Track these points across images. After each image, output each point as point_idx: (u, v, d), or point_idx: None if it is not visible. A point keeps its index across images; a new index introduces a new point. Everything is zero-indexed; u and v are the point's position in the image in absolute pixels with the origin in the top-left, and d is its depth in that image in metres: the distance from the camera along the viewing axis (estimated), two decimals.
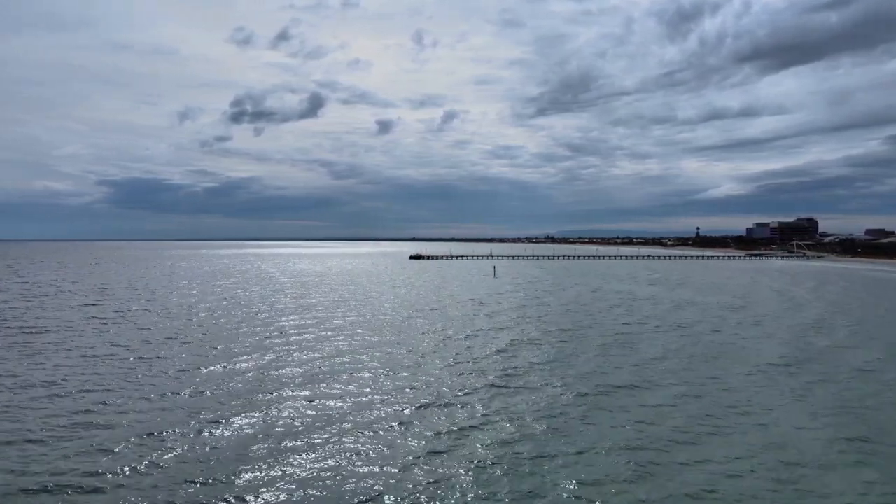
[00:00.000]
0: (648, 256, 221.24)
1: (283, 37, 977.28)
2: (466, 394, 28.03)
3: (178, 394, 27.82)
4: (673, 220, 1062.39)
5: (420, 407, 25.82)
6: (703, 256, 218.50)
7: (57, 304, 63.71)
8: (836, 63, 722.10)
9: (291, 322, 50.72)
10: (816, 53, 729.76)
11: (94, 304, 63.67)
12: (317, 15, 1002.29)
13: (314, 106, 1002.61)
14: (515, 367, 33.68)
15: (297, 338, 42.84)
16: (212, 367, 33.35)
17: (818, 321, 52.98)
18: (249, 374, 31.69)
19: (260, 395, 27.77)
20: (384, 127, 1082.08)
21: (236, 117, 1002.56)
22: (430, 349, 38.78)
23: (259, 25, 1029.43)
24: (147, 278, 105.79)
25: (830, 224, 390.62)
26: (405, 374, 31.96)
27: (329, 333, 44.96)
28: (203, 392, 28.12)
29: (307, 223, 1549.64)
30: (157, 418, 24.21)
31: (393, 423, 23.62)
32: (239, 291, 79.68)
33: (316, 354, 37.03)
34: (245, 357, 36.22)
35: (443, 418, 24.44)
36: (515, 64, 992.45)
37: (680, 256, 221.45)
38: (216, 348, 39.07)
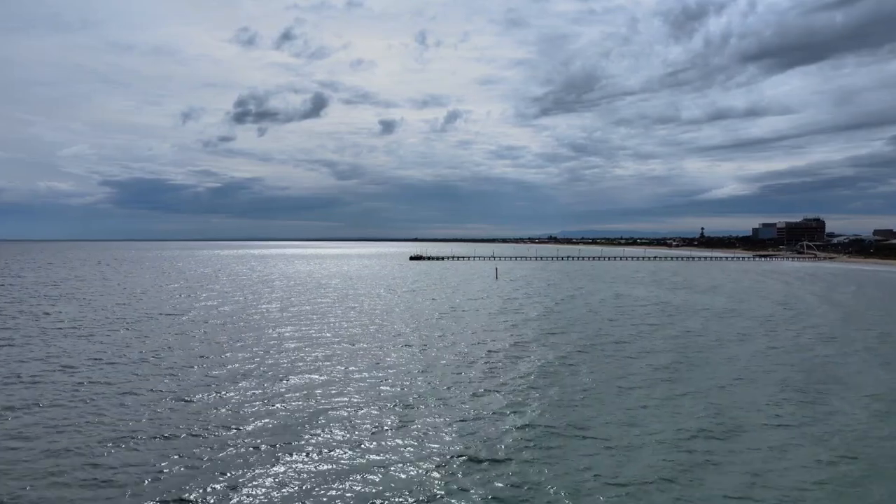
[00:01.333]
0: (656, 257, 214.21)
1: (286, 37, 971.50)
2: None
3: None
4: (676, 221, 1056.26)
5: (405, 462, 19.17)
6: (711, 258, 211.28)
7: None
8: (842, 63, 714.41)
9: (263, 344, 43.81)
10: (822, 53, 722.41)
11: (48, 315, 56.92)
12: (320, 15, 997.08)
13: (317, 106, 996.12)
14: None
15: (258, 365, 35.90)
16: (155, 393, 26.61)
17: None
18: (190, 406, 24.94)
19: (201, 436, 21.03)
20: (387, 127, 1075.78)
21: (240, 117, 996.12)
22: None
23: (263, 26, 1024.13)
24: (131, 282, 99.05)
25: (836, 225, 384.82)
26: (390, 430, 25.11)
27: (299, 357, 38.06)
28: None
29: (310, 223, 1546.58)
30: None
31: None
32: (217, 303, 72.91)
33: (282, 389, 30.22)
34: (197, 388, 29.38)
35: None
36: (519, 64, 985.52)
37: (688, 257, 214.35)
38: (168, 372, 32.25)
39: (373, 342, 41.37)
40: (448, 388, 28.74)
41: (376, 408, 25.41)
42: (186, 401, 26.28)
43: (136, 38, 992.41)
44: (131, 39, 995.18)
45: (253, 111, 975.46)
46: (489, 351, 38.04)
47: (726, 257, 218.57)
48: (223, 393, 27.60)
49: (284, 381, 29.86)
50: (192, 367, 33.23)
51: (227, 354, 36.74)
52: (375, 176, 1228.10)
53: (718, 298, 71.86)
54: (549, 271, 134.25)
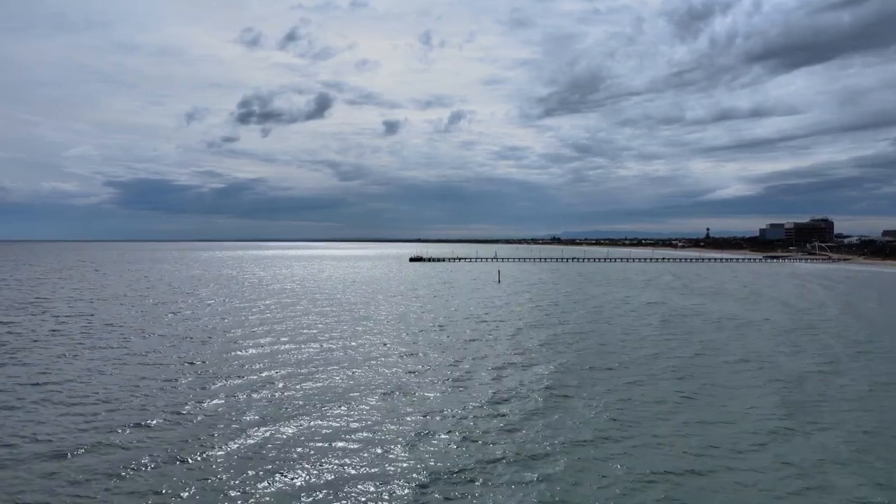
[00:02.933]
0: (664, 259, 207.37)
1: (291, 37, 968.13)
2: None
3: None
4: (679, 222, 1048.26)
5: None
6: (721, 259, 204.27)
7: None
8: (848, 63, 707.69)
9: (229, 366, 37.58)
10: (828, 53, 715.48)
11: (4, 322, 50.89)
12: (325, 15, 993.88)
13: (321, 107, 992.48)
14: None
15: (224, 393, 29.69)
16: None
17: None
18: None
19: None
20: (391, 128, 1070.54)
21: (244, 118, 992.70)
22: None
23: (267, 26, 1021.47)
24: (114, 285, 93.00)
25: (843, 226, 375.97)
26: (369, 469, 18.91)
27: (270, 385, 31.84)
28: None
29: (313, 224, 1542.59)
30: None
31: None
32: (197, 310, 66.74)
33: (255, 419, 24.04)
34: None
35: None
36: (524, 64, 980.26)
37: (697, 259, 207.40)
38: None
39: (344, 371, 35.13)
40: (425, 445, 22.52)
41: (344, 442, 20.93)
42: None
43: (141, 38, 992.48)
44: (136, 40, 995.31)
45: (257, 112, 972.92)
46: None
47: (737, 258, 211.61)
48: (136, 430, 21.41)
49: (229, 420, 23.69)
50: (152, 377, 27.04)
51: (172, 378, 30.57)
52: (379, 176, 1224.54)
53: (770, 308, 63.66)
54: (557, 274, 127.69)
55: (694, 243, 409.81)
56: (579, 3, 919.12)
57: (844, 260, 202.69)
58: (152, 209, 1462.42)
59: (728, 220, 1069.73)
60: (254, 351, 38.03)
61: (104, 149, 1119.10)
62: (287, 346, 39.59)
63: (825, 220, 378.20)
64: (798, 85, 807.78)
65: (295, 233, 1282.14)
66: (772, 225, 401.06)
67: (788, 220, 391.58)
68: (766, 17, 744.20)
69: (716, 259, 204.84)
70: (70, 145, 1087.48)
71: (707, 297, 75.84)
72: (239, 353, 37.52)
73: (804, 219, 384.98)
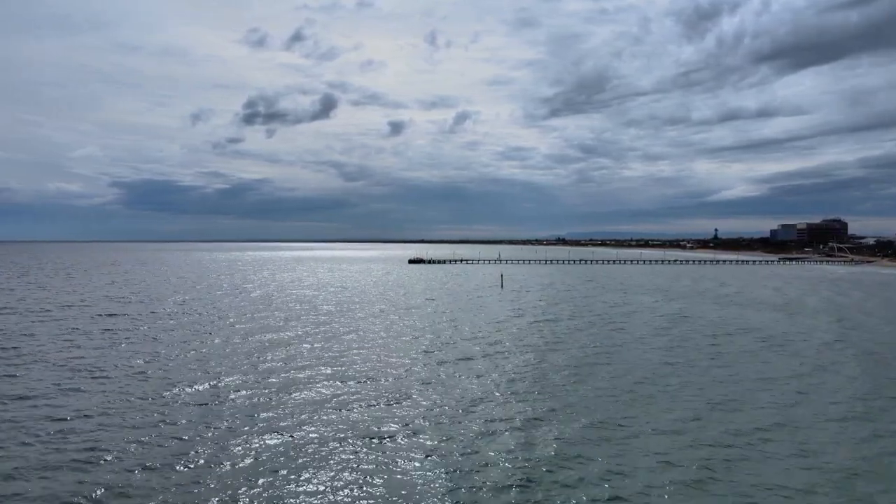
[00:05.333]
0: (676, 261, 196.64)
1: (296, 38, 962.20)
2: None
3: None
4: (683, 222, 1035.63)
5: None
6: (736, 261, 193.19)
7: None
8: (856, 63, 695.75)
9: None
10: (836, 53, 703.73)
11: None
12: (331, 15, 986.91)
13: (326, 107, 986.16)
14: None
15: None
16: None
17: None
18: None
19: None
20: (395, 128, 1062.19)
21: (249, 119, 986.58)
22: None
23: (273, 26, 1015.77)
24: (79, 290, 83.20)
25: (850, 226, 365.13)
26: None
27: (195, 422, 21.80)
28: None
29: (317, 225, 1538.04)
30: None
31: None
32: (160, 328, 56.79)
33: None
34: None
35: None
36: (529, 64, 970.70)
37: (711, 261, 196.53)
38: None
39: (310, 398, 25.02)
40: None
41: None
42: None
43: (145, 39, 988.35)
44: (140, 40, 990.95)
45: (262, 112, 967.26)
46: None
47: (753, 260, 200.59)
48: None
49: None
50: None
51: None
52: (383, 177, 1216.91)
53: (826, 323, 53.63)
54: (566, 277, 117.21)
55: (702, 244, 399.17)
56: (586, 2, 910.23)
57: (867, 262, 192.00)
58: (157, 210, 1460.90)
59: (733, 220, 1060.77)
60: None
61: (109, 149, 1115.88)
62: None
63: (838, 221, 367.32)
64: (805, 85, 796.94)
65: (299, 233, 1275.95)
66: (783, 225, 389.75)
67: (797, 221, 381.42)
68: (775, 17, 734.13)
69: (730, 261, 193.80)
70: (75, 146, 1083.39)
71: (743, 307, 65.48)
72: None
73: (812, 219, 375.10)
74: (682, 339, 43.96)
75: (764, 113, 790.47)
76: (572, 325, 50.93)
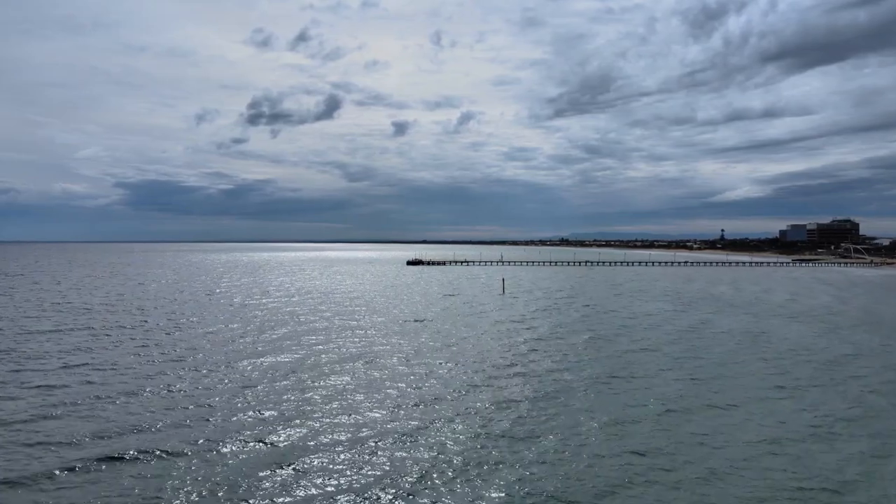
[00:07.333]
0: (686, 262, 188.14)
1: (301, 38, 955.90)
2: None
3: None
4: (688, 223, 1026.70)
5: None
6: (749, 263, 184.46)
7: None
8: (864, 62, 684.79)
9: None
10: (843, 53, 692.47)
11: None
12: (336, 15, 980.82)
13: (330, 108, 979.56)
14: None
15: None
16: None
17: None
18: None
19: None
20: (400, 129, 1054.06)
21: (253, 119, 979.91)
22: None
23: (278, 26, 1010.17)
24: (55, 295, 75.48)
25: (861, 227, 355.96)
26: None
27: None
28: None
29: (320, 225, 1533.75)
30: None
31: None
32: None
33: None
34: None
35: None
36: (534, 64, 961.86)
37: (723, 262, 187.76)
38: None
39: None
40: None
41: None
42: None
43: (150, 39, 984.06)
44: (145, 41, 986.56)
45: (266, 113, 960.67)
46: None
47: (766, 262, 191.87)
48: None
49: None
50: None
51: None
52: (387, 178, 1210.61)
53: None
54: (572, 280, 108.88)
55: (709, 245, 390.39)
56: (592, 2, 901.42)
57: (887, 264, 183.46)
58: (161, 210, 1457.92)
59: (737, 221, 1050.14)
60: None
61: (114, 150, 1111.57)
62: None
63: (849, 221, 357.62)
64: (812, 85, 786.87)
65: (302, 234, 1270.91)
66: (793, 226, 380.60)
67: (803, 222, 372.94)
68: (782, 16, 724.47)
69: (743, 263, 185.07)
70: (80, 147, 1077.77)
71: (783, 318, 57.33)
72: None
73: (820, 220, 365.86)
74: (794, 375, 35.81)
75: (770, 113, 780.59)
76: (591, 347, 42.76)
